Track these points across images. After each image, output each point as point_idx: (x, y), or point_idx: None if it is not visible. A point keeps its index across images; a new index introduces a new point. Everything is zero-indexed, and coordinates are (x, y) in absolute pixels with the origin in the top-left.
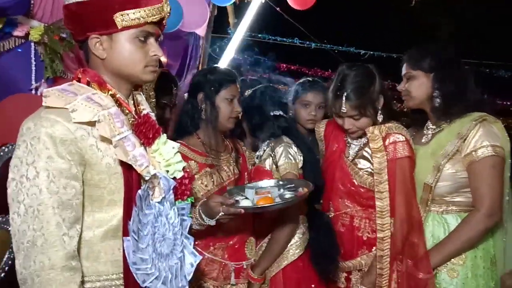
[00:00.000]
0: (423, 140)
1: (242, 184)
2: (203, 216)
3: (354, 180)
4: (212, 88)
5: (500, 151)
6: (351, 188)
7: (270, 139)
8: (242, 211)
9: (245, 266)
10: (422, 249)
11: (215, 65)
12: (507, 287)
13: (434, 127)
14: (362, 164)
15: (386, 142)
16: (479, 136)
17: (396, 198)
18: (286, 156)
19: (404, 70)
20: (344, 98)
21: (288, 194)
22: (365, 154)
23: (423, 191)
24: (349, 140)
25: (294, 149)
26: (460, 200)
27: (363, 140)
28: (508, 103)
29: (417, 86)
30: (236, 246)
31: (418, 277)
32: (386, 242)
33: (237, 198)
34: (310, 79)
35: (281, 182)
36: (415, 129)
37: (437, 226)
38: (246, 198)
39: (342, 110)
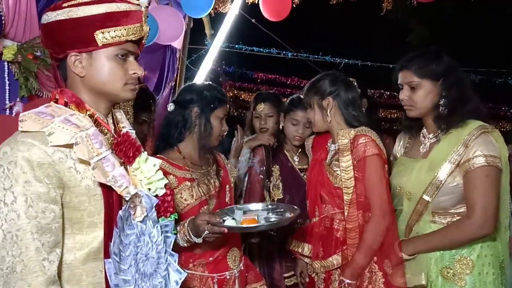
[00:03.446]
0: (421, 150)
1: (224, 197)
2: (191, 234)
3: (331, 182)
4: (211, 105)
5: (493, 161)
6: (329, 190)
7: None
8: (226, 230)
9: (228, 277)
10: (398, 243)
11: (199, 79)
12: None
13: (431, 136)
14: (337, 166)
15: (355, 144)
16: (473, 145)
17: (371, 193)
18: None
19: (405, 78)
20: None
21: (273, 218)
22: (339, 157)
23: (418, 204)
24: (328, 147)
25: None
26: (465, 210)
27: (337, 145)
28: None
29: (424, 95)
30: (218, 260)
31: (398, 255)
32: (355, 232)
33: (224, 218)
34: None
35: (269, 206)
36: (410, 137)
37: None
38: (234, 218)
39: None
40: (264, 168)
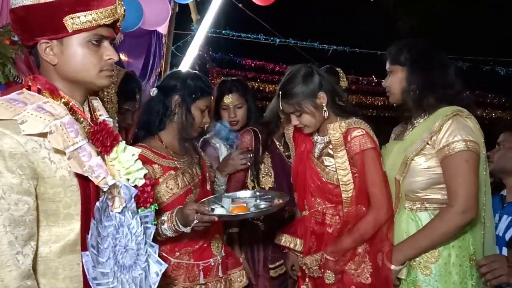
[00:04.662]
0: (404, 136)
1: (205, 185)
2: (179, 224)
3: (322, 177)
4: (193, 95)
5: (474, 146)
6: (320, 185)
7: None
8: (216, 219)
9: (212, 264)
10: (390, 242)
11: (183, 66)
12: (482, 273)
13: (414, 122)
14: (328, 161)
15: (348, 138)
16: (451, 131)
17: (370, 188)
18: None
19: (386, 65)
20: (280, 96)
21: (263, 204)
22: (329, 151)
23: (395, 187)
24: (315, 139)
25: None
26: (435, 197)
27: (326, 138)
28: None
29: (396, 81)
30: (203, 248)
31: (389, 267)
32: (352, 224)
33: (212, 207)
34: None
35: (258, 193)
36: (404, 125)
37: (411, 224)
38: (222, 206)
39: (280, 108)
40: (252, 155)
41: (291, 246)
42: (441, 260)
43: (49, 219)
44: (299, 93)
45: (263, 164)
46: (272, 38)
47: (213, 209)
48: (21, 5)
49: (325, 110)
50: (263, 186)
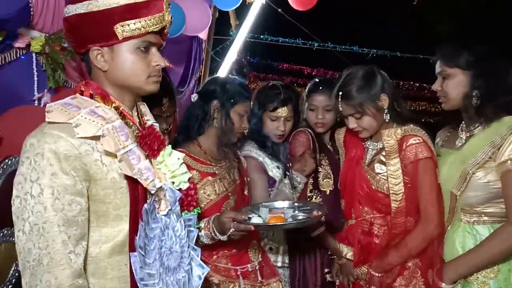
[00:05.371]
0: (456, 144)
1: (243, 190)
2: (215, 231)
3: (372, 185)
4: (231, 100)
5: None
6: (369, 193)
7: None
8: (252, 228)
9: (250, 269)
10: (440, 258)
11: (223, 71)
12: None
13: (468, 130)
14: (379, 168)
15: (403, 145)
16: None
17: (421, 200)
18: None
19: (438, 68)
20: (339, 98)
21: (301, 216)
22: (381, 158)
23: (449, 200)
24: (367, 145)
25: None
26: (493, 211)
27: (379, 144)
28: None
29: (455, 85)
30: (241, 252)
31: (440, 285)
32: (400, 237)
33: (249, 215)
34: (317, 80)
35: (296, 204)
36: (450, 129)
37: (468, 237)
38: (259, 216)
39: (339, 109)
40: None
41: (346, 255)
42: (500, 276)
43: (100, 220)
44: (361, 94)
45: (321, 166)
46: (310, 42)
47: (249, 218)
48: (74, 13)
49: (386, 113)
50: (324, 189)
